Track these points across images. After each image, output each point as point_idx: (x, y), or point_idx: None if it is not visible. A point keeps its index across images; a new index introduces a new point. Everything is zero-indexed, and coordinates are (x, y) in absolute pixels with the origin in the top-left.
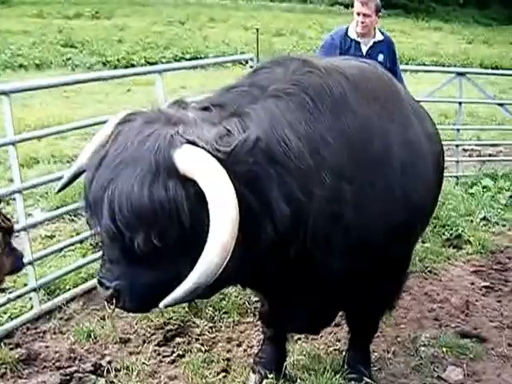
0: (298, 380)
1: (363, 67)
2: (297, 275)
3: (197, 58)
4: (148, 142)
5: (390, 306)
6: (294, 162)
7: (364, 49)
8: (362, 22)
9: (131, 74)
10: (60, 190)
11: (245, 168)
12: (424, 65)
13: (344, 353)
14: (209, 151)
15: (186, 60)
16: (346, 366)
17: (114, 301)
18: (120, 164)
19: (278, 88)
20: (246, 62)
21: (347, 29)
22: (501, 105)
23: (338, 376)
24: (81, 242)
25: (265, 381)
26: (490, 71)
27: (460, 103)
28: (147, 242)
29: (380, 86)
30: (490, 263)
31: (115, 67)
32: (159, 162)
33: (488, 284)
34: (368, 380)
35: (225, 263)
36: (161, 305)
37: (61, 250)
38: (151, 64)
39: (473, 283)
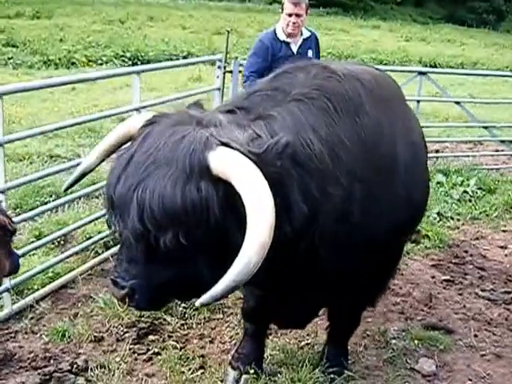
0: (278, 375)
1: (375, 73)
2: (299, 271)
3: (137, 57)
4: (183, 143)
5: (374, 302)
6: (315, 164)
7: (294, 48)
8: (294, 23)
9: (110, 75)
10: (67, 189)
11: (272, 170)
12: (363, 61)
13: (322, 347)
14: (242, 153)
15: (127, 58)
16: (325, 360)
17: (127, 300)
18: (152, 164)
19: (300, 92)
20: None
21: (275, 31)
22: (458, 103)
23: (316, 370)
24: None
25: (243, 376)
26: (450, 70)
27: (418, 101)
28: (174, 241)
29: (389, 91)
30: (449, 257)
31: (57, 66)
32: (193, 164)
33: (448, 277)
34: (349, 373)
35: (261, 262)
36: (197, 303)
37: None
38: (92, 62)
39: (433, 277)
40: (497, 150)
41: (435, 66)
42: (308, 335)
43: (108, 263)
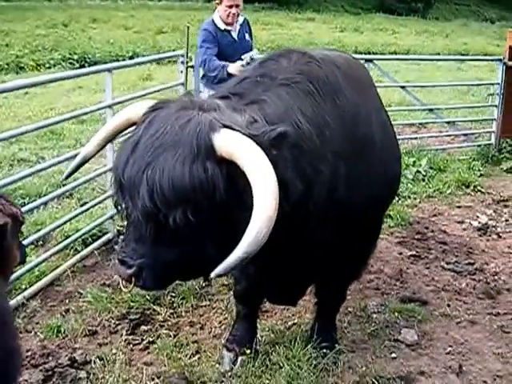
0: (273, 353)
1: (346, 57)
2: (291, 246)
3: (85, 59)
4: (188, 126)
5: (359, 276)
6: (305, 143)
7: (234, 35)
8: (234, 14)
9: (81, 74)
10: (67, 178)
11: (267, 151)
12: None
13: (311, 324)
14: (244, 134)
15: (75, 61)
16: (315, 336)
17: (133, 279)
18: (160, 147)
19: (285, 77)
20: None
21: (213, 21)
22: (403, 87)
23: (309, 346)
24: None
25: (240, 357)
26: (395, 56)
27: None
28: (183, 218)
29: (361, 74)
30: (412, 234)
31: (6, 71)
32: (200, 145)
33: (414, 253)
34: (340, 346)
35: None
36: (212, 274)
37: None
38: (41, 66)
39: (401, 253)
40: (440, 132)
41: (369, 54)
42: (293, 315)
43: (89, 259)
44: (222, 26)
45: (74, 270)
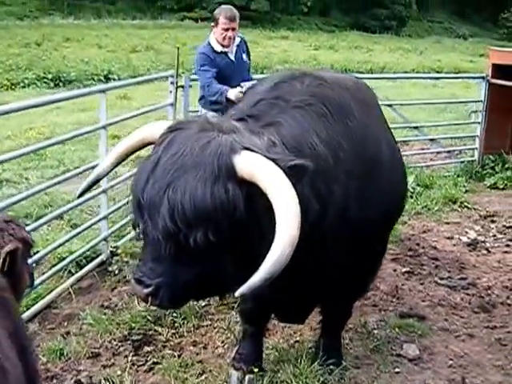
0: (280, 371)
1: (354, 80)
2: (305, 266)
3: (59, 78)
4: (209, 147)
5: (365, 293)
6: (321, 164)
7: (231, 56)
8: (230, 37)
9: (75, 95)
10: (80, 195)
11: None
12: (277, 71)
13: (317, 341)
14: (265, 157)
15: (49, 80)
16: (321, 353)
17: (150, 298)
18: (181, 167)
19: (299, 99)
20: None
21: (210, 44)
22: (390, 105)
23: (315, 363)
24: None
25: (247, 376)
26: (381, 75)
27: None
28: (204, 238)
29: (368, 95)
30: (404, 250)
31: None
32: (221, 166)
33: (408, 269)
34: (345, 363)
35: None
36: (237, 293)
37: None
38: (15, 85)
39: (395, 270)
40: (423, 149)
41: (346, 72)
42: (295, 333)
43: (84, 281)
44: (219, 49)
45: (70, 292)
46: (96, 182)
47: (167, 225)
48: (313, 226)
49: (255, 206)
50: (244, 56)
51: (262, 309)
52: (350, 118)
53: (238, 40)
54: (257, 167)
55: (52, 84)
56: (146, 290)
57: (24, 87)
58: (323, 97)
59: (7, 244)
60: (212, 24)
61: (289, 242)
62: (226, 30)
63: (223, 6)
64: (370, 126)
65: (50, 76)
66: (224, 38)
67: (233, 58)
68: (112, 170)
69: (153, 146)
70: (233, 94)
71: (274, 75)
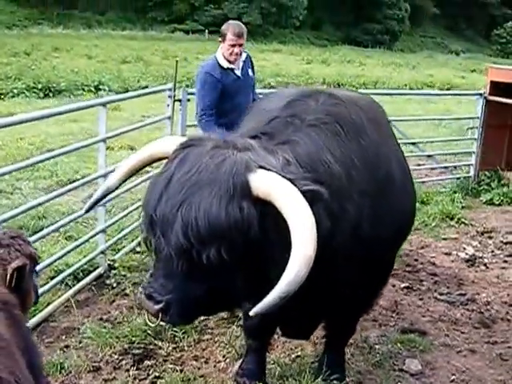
0: None
1: (366, 98)
2: (315, 284)
3: (49, 88)
4: (224, 165)
5: (371, 309)
6: (334, 183)
7: (238, 72)
8: (237, 53)
9: (75, 108)
10: (88, 210)
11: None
12: (269, 84)
13: (320, 356)
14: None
15: (38, 90)
16: (325, 368)
17: (161, 314)
18: (195, 184)
19: (314, 118)
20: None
21: (216, 60)
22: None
23: (319, 379)
24: None
25: None
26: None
27: None
28: (216, 256)
29: (380, 114)
30: (402, 266)
31: None
32: (236, 184)
33: (407, 285)
34: (348, 379)
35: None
36: (251, 312)
37: None
38: (4, 95)
39: (394, 285)
40: (419, 165)
41: (339, 87)
42: (296, 348)
43: (81, 294)
44: (225, 65)
45: (68, 306)
46: (105, 196)
47: (180, 241)
48: (324, 244)
49: (270, 225)
50: (250, 71)
51: (267, 324)
52: (363, 136)
53: (244, 55)
54: (273, 186)
55: (42, 94)
56: (157, 306)
57: (13, 97)
58: (338, 115)
59: (14, 260)
60: (219, 39)
61: (305, 263)
62: (233, 46)
63: (231, 22)
64: (382, 144)
65: (39, 86)
66: (231, 54)
67: (239, 74)
68: (121, 184)
69: (164, 161)
70: None
71: (283, 91)
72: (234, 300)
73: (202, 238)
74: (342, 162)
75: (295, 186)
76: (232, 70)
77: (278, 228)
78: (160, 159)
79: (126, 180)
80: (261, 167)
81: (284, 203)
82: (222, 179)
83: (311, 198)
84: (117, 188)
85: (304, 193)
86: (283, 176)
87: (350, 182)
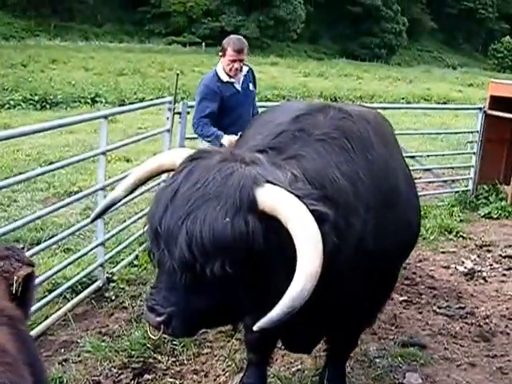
0: None
1: (374, 113)
2: (322, 298)
3: (46, 100)
4: (231, 179)
5: (372, 323)
6: (341, 198)
7: (238, 86)
8: (237, 68)
9: (76, 121)
10: (94, 220)
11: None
12: (266, 97)
13: (322, 370)
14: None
15: (35, 101)
16: (326, 382)
17: (163, 327)
18: (201, 198)
19: (322, 132)
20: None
21: (217, 74)
22: None
23: None
24: None
25: None
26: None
27: None
28: (220, 269)
29: (387, 129)
30: (401, 280)
31: None
32: (243, 198)
33: (406, 298)
34: None
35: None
36: (255, 327)
37: None
38: (1, 106)
39: (393, 299)
40: (416, 178)
41: (336, 100)
42: (295, 361)
43: (79, 308)
44: (225, 78)
45: (65, 319)
46: (110, 206)
47: (184, 254)
48: (331, 259)
49: (275, 240)
50: (251, 85)
51: (268, 338)
52: (371, 151)
53: (245, 69)
54: (279, 201)
55: (38, 106)
56: (159, 319)
57: (10, 108)
58: (346, 130)
59: (18, 270)
60: (220, 53)
61: (310, 278)
62: (233, 61)
63: (232, 37)
64: (389, 158)
65: (36, 98)
66: (231, 69)
67: (239, 88)
68: (127, 196)
69: (171, 173)
70: (227, 141)
71: (291, 104)
72: (237, 313)
73: (206, 252)
74: (349, 177)
75: (302, 200)
76: (232, 83)
77: (283, 243)
78: (167, 171)
79: (132, 191)
80: (268, 182)
81: (290, 218)
82: (228, 193)
83: (317, 217)
84: (122, 199)
85: (310, 212)
86: (290, 191)
87: (356, 197)
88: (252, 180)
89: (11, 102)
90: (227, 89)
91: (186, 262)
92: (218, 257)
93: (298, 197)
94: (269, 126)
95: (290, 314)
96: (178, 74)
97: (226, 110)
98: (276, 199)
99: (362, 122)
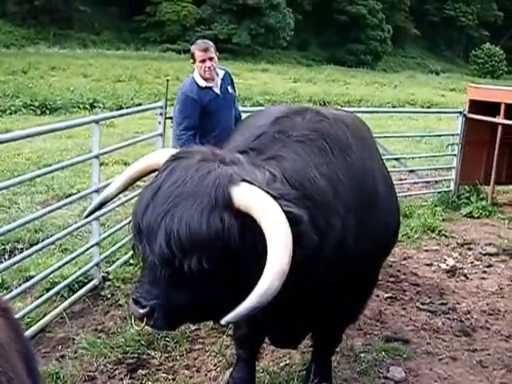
0: None
1: (352, 116)
2: (298, 295)
3: (46, 106)
4: (208, 178)
5: (357, 319)
6: (321, 197)
7: (217, 90)
8: (209, 67)
9: (69, 126)
10: (87, 217)
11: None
12: (258, 102)
13: (308, 364)
14: (263, 190)
15: (35, 107)
16: (312, 377)
17: (146, 319)
18: (180, 195)
19: (300, 134)
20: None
21: (194, 80)
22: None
23: None
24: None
25: None
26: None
27: None
28: (197, 265)
29: (365, 132)
30: (386, 277)
31: None
32: (218, 197)
33: (390, 295)
34: None
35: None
36: (223, 321)
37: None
38: (1, 112)
39: (378, 295)
40: (401, 179)
41: (325, 105)
42: (284, 356)
43: (76, 306)
44: (203, 84)
45: (63, 317)
46: (101, 206)
47: (163, 250)
48: (310, 258)
49: (251, 237)
50: (229, 88)
51: (256, 334)
52: (349, 153)
53: (222, 73)
54: (253, 200)
55: (38, 111)
56: (142, 311)
57: (11, 114)
58: (324, 132)
59: None
60: (191, 61)
61: (278, 276)
62: (203, 61)
63: (197, 41)
64: (368, 160)
65: (36, 103)
66: (204, 71)
67: (218, 92)
68: (119, 194)
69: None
70: None
71: (272, 108)
72: (216, 309)
73: (183, 248)
74: (328, 178)
75: (278, 200)
76: (210, 88)
77: (257, 241)
78: (156, 170)
79: (123, 190)
80: (244, 181)
81: (262, 216)
82: (205, 191)
83: (291, 219)
84: (114, 198)
85: (285, 213)
86: (266, 191)
87: (336, 198)
88: (228, 179)
89: (12, 108)
90: (206, 94)
91: (165, 257)
92: (194, 253)
93: (274, 197)
94: (250, 129)
95: (257, 310)
96: (167, 81)
97: (207, 114)
98: (251, 198)
99: (340, 125)
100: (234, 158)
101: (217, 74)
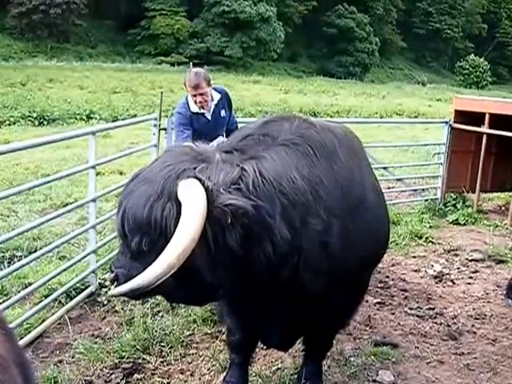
0: None
1: (342, 127)
2: (284, 295)
3: (44, 117)
4: (164, 170)
5: (348, 324)
6: (298, 197)
7: (208, 116)
8: (201, 101)
9: (66, 137)
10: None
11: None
12: (249, 113)
13: (300, 369)
14: (207, 189)
15: (33, 118)
16: (303, 380)
17: (114, 284)
18: (142, 181)
19: (286, 138)
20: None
21: (187, 104)
22: None
23: None
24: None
25: None
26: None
27: None
28: (138, 246)
29: (355, 143)
30: (375, 282)
31: None
32: (164, 187)
33: (379, 300)
34: None
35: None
36: (110, 292)
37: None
38: (1, 123)
39: (367, 301)
40: (389, 188)
41: (315, 115)
42: (276, 360)
43: (73, 312)
44: (195, 109)
45: (61, 322)
46: None
47: (118, 227)
48: (283, 256)
49: None
50: (222, 112)
51: (249, 339)
52: (336, 160)
53: (217, 97)
54: (184, 192)
55: (36, 122)
56: (111, 276)
57: (10, 125)
58: (309, 138)
59: None
60: (182, 86)
61: (163, 267)
62: (194, 95)
63: (192, 71)
64: (356, 170)
65: (34, 115)
66: (195, 102)
67: (209, 118)
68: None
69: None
70: None
71: (264, 116)
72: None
73: (130, 229)
74: (309, 180)
75: (216, 196)
76: (203, 114)
77: None
78: None
79: None
80: (196, 178)
81: (183, 201)
82: (157, 181)
83: (233, 211)
84: None
85: (225, 206)
86: (207, 185)
87: (315, 199)
88: (179, 173)
89: (11, 119)
90: (197, 119)
91: (120, 233)
92: (137, 234)
93: (217, 192)
94: (241, 132)
95: (148, 285)
96: (162, 93)
97: (197, 137)
98: (184, 190)
99: (327, 133)
100: (211, 156)
101: (212, 99)
